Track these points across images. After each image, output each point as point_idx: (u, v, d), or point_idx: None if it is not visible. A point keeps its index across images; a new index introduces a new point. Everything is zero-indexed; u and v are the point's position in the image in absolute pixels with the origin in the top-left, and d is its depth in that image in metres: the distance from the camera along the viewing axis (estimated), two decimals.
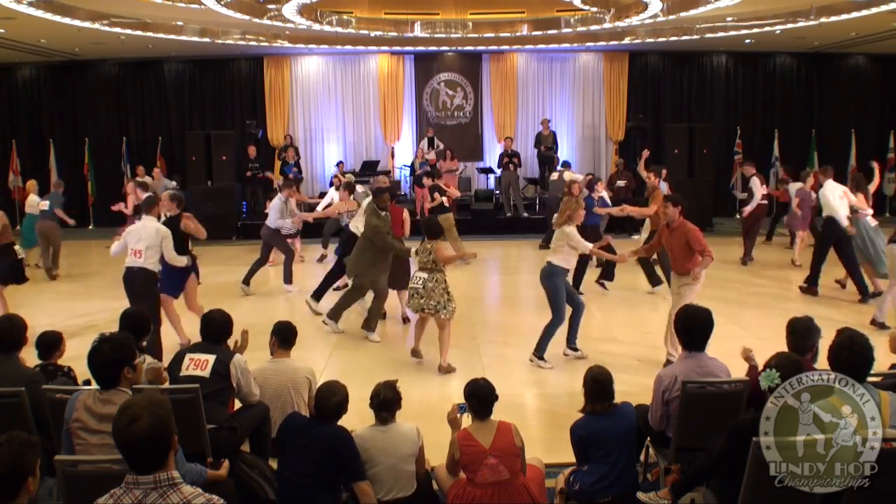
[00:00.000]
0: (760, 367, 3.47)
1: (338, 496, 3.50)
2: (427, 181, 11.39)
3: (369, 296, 7.35)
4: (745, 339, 6.59)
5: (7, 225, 7.60)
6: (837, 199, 8.09)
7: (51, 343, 4.21)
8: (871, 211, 8.28)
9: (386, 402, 3.57)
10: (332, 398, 3.46)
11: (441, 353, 6.17)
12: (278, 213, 9.07)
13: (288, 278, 9.20)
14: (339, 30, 13.05)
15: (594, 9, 12.17)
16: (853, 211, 8.13)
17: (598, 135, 16.55)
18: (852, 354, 2.95)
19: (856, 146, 15.87)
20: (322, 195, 12.21)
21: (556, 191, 11.03)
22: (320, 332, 7.39)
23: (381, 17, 13.57)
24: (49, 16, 10.69)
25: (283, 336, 4.37)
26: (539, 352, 6.24)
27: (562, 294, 6.12)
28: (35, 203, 10.30)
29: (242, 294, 8.98)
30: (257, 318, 7.61)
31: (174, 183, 12.74)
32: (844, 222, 7.98)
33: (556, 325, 6.19)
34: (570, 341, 6.42)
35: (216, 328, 4.02)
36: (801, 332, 3.76)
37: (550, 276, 6.11)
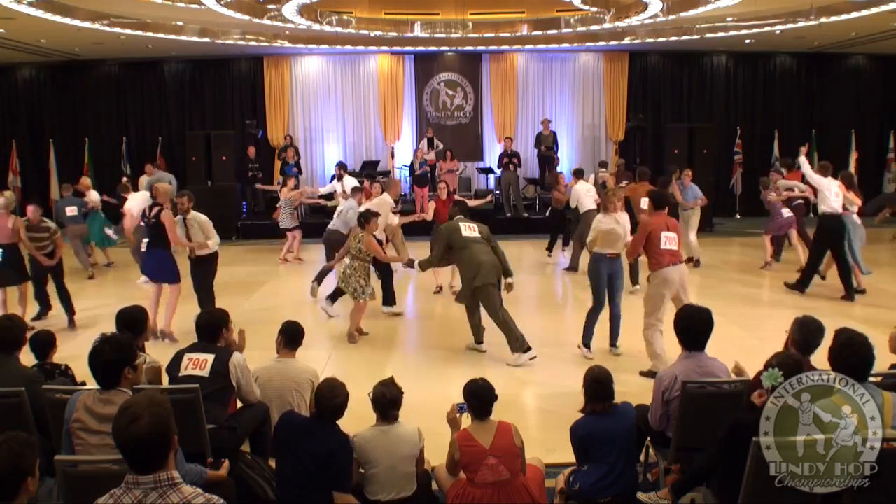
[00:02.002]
0: (760, 368, 3.46)
1: None
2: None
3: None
4: (745, 339, 6.62)
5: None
6: (834, 195, 8.27)
7: (46, 342, 4.23)
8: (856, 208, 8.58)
9: (394, 400, 3.56)
10: (335, 399, 3.45)
11: (351, 324, 6.87)
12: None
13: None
14: (339, 30, 13.04)
15: (594, 9, 12.16)
16: (844, 208, 8.36)
17: (598, 135, 16.55)
18: (852, 354, 2.95)
19: (856, 146, 15.86)
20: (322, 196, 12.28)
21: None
22: (321, 331, 7.40)
23: (381, 17, 13.57)
24: (49, 16, 10.68)
25: (290, 336, 4.36)
26: (584, 339, 6.47)
27: (598, 282, 6.31)
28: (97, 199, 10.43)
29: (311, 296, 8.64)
30: (262, 316, 7.63)
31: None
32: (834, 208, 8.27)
33: (595, 313, 6.39)
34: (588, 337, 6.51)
35: (207, 326, 4.03)
36: (813, 331, 3.65)
37: (591, 262, 6.39)
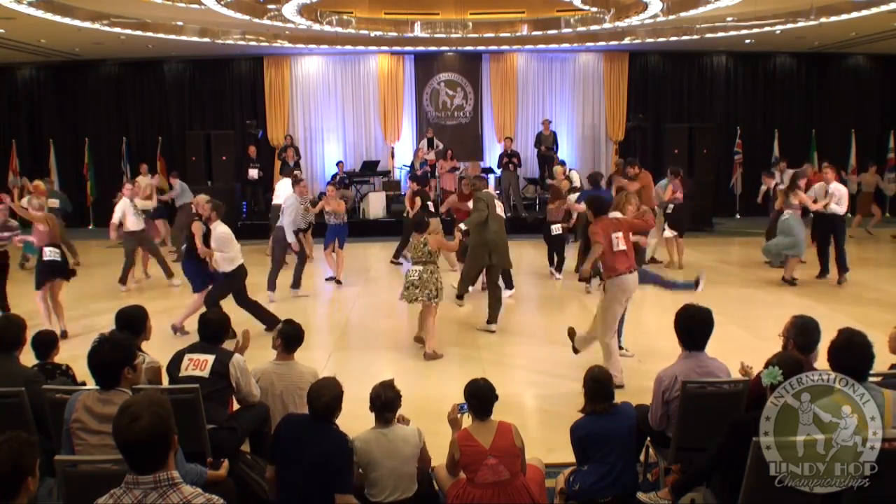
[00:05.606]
0: (760, 367, 3.46)
1: None
2: (413, 186, 11.73)
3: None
4: (745, 339, 6.61)
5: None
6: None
7: (47, 342, 4.23)
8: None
9: (388, 402, 3.54)
10: (321, 398, 3.39)
11: (428, 341, 6.49)
12: (293, 213, 8.73)
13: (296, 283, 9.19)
14: (339, 30, 13.05)
15: (594, 9, 12.17)
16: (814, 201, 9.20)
17: (598, 135, 16.56)
18: (851, 355, 2.95)
19: (856, 146, 15.88)
20: (322, 195, 12.25)
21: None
22: (321, 331, 7.40)
23: (381, 17, 13.58)
24: (49, 16, 10.69)
25: (290, 338, 4.26)
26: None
27: None
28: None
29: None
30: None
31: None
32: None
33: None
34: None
35: (213, 328, 4.02)
36: (812, 330, 3.64)
37: None
